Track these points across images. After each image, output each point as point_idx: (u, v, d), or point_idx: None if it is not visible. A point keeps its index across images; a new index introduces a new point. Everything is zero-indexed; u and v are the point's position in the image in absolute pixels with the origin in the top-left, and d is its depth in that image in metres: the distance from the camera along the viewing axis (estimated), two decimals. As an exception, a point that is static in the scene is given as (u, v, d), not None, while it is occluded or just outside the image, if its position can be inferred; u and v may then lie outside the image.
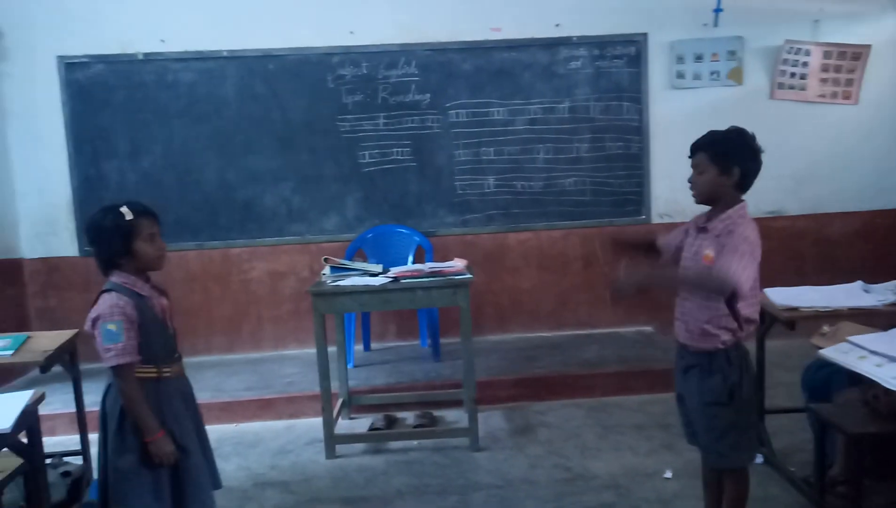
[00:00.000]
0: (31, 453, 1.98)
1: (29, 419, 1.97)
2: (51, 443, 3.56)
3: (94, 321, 2.02)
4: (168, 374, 2.11)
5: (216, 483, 2.27)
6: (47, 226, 4.65)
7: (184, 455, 2.08)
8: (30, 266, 4.68)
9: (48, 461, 2.90)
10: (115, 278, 2.09)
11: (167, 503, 2.06)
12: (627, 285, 2.18)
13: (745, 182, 2.15)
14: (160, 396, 2.08)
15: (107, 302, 2.02)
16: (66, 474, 2.80)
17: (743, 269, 2.03)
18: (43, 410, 3.73)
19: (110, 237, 2.05)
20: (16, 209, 4.64)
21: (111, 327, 1.98)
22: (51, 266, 4.67)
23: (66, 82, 4.55)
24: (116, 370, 2.01)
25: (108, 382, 2.10)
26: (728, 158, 2.12)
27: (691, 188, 2.20)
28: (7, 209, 4.58)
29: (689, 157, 2.19)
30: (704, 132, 2.20)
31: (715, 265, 2.06)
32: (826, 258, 4.83)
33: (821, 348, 2.58)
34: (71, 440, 3.14)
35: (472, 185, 4.77)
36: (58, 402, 3.71)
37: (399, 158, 4.71)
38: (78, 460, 2.95)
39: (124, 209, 2.06)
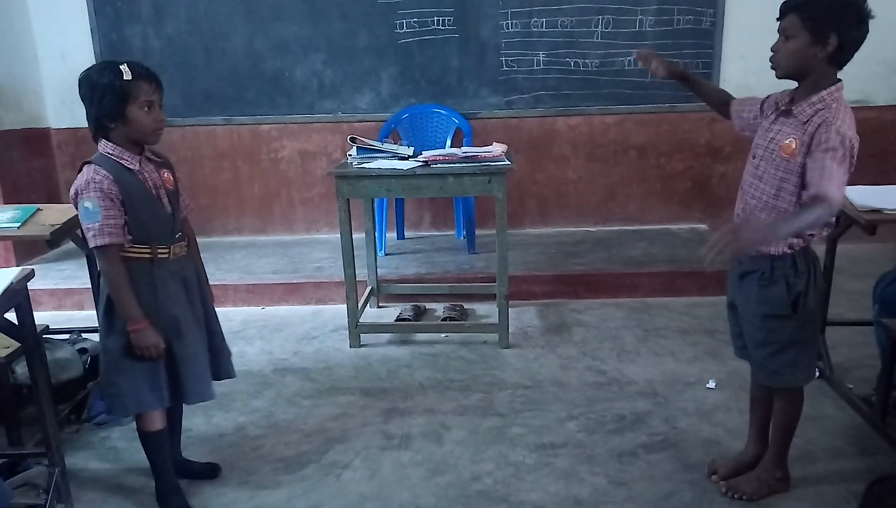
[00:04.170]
0: (22, 332, 1.86)
1: (16, 298, 1.84)
2: (78, 317, 3.58)
3: (75, 196, 1.83)
4: (164, 255, 1.93)
5: (229, 372, 2.14)
6: (73, 94, 4.42)
7: (179, 342, 1.93)
8: (57, 136, 4.56)
9: (65, 337, 2.88)
10: (102, 147, 1.89)
11: (163, 391, 1.93)
12: (748, 246, 1.80)
13: (843, 56, 1.74)
14: (154, 279, 1.91)
15: (83, 176, 1.82)
16: (83, 351, 2.75)
17: (844, 183, 1.69)
18: (70, 285, 3.83)
19: (102, 96, 1.83)
20: (39, 75, 4.46)
21: (87, 204, 1.79)
22: (79, 138, 4.53)
23: (82, -65, 4.22)
24: (98, 252, 1.84)
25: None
26: (825, 23, 1.69)
27: (772, 59, 1.80)
28: (31, 75, 4.40)
29: (778, 19, 1.77)
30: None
31: (813, 181, 1.68)
32: (916, 157, 4.31)
33: (907, 258, 2.24)
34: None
35: (520, 61, 4.33)
36: (86, 277, 3.69)
37: (439, 28, 4.27)
38: (96, 337, 2.89)
39: (124, 68, 1.83)
